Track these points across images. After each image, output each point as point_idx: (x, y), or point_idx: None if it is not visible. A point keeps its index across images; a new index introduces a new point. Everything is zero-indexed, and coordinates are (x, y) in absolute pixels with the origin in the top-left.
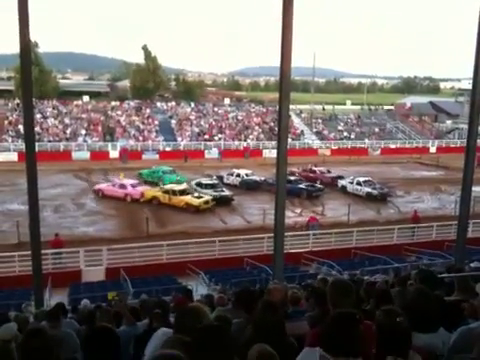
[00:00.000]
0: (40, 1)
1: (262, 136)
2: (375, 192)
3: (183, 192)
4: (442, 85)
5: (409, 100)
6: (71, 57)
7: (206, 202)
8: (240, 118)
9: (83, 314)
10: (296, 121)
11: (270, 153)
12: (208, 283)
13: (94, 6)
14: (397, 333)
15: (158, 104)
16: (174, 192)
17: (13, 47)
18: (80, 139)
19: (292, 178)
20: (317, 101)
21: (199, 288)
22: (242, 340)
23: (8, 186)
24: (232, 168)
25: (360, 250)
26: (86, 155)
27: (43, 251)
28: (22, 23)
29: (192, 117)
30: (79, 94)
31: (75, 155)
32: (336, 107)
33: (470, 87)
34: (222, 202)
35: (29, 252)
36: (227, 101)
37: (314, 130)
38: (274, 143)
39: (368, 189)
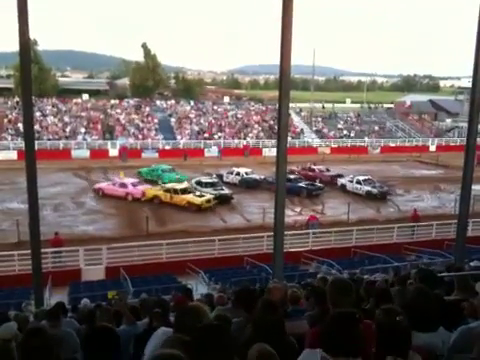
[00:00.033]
0: None
1: (262, 134)
2: (375, 191)
3: (185, 191)
4: (442, 83)
5: (409, 98)
6: (70, 55)
7: (208, 201)
8: (240, 116)
9: (83, 313)
10: (296, 119)
11: (270, 151)
12: (208, 282)
13: (93, 4)
14: (397, 332)
15: (158, 102)
16: (176, 191)
17: (12, 45)
18: (80, 137)
19: (292, 177)
20: (317, 99)
21: (199, 287)
22: (242, 339)
23: (8, 185)
24: (232, 166)
25: (360, 249)
26: (86, 153)
27: (43, 250)
28: (21, 21)
29: (192, 115)
30: (78, 92)
31: (75, 153)
32: (336, 105)
33: (470, 85)
34: (222, 201)
35: (29, 251)
36: (227, 99)
37: (314, 128)
38: (274, 141)
39: (368, 188)
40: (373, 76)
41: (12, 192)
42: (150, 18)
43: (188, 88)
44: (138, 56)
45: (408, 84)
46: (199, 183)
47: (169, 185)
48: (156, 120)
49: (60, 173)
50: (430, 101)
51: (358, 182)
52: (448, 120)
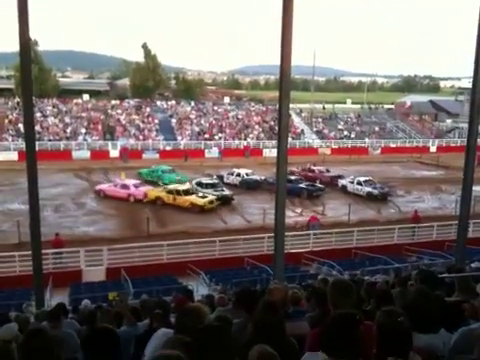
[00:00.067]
0: None
1: (262, 135)
2: (376, 192)
3: (187, 192)
4: (442, 84)
5: (409, 99)
6: (71, 55)
7: (211, 202)
8: (240, 117)
9: (84, 314)
10: (296, 120)
11: (270, 152)
12: (209, 283)
13: (94, 4)
14: (398, 333)
15: (158, 103)
16: (178, 192)
17: (13, 45)
18: (80, 138)
19: (293, 178)
20: (317, 100)
21: (200, 288)
22: (242, 340)
23: (8, 185)
24: (232, 167)
25: (361, 250)
26: (86, 154)
27: (44, 251)
28: (22, 21)
29: (192, 116)
30: (79, 93)
31: (75, 154)
32: (336, 106)
33: (470, 86)
34: (222, 202)
35: (30, 252)
36: (227, 100)
37: (314, 129)
38: (274, 142)
39: (369, 189)
40: (373, 77)
41: (13, 193)
42: (150, 18)
43: (188, 89)
44: (138, 56)
45: (408, 85)
46: (199, 184)
47: (172, 186)
48: (157, 121)
49: (61, 174)
50: (430, 102)
51: (359, 183)
52: (448, 121)
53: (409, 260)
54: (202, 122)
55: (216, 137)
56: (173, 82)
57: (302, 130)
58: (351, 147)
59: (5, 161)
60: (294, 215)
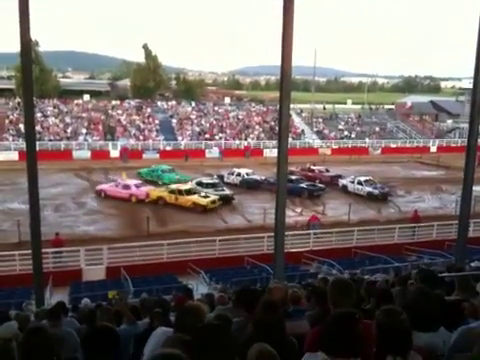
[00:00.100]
0: (41, 0)
1: (263, 135)
2: (376, 192)
3: (189, 192)
4: (443, 84)
5: (410, 99)
6: (72, 56)
7: (213, 202)
8: (241, 117)
9: (83, 313)
10: (297, 120)
11: (271, 152)
12: (209, 282)
13: (94, 5)
14: (397, 332)
15: (159, 103)
16: (180, 192)
17: (14, 46)
18: (81, 138)
19: (293, 177)
20: (318, 100)
21: (200, 287)
22: (242, 339)
23: (9, 185)
24: (233, 167)
25: (361, 249)
26: (87, 154)
27: (44, 250)
28: (23, 22)
29: (193, 116)
30: (80, 93)
31: (76, 154)
32: (337, 106)
33: (471, 86)
34: (223, 201)
35: (30, 251)
36: (228, 100)
37: (315, 129)
38: (275, 142)
39: (369, 189)
40: (374, 77)
41: (13, 192)
42: (151, 19)
43: (189, 89)
44: (139, 57)
45: (409, 85)
46: (200, 184)
47: (174, 186)
48: (157, 121)
49: (61, 174)
50: (431, 102)
51: (359, 183)
52: (449, 121)
53: (409, 259)
54: (203, 122)
55: (217, 137)
56: (174, 83)
57: (302, 130)
58: (351, 147)
59: (6, 161)
60: (294, 215)
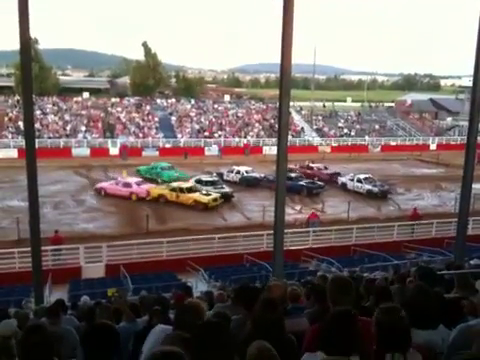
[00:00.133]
0: None
1: (262, 133)
2: (375, 189)
3: (190, 190)
4: (442, 82)
5: (409, 97)
6: (71, 54)
7: (215, 199)
8: (240, 115)
9: (83, 311)
10: (296, 118)
11: (270, 150)
12: (208, 280)
13: (94, 3)
14: (396, 330)
15: (158, 101)
16: (182, 190)
17: (13, 44)
18: (80, 136)
19: (293, 175)
20: (317, 98)
21: (199, 285)
22: (241, 337)
23: (8, 183)
24: (232, 165)
25: (360, 247)
26: (86, 152)
27: (43, 248)
28: (22, 20)
29: (192, 114)
30: (79, 91)
31: (75, 152)
32: (336, 104)
33: (470, 84)
34: (222, 199)
35: (29, 249)
36: (227, 98)
37: (314, 127)
38: (274, 140)
39: (368, 186)
40: (374, 75)
41: (12, 190)
42: (151, 17)
43: (189, 87)
44: (139, 55)
45: (409, 83)
46: (199, 181)
47: (175, 184)
48: (156, 119)
49: (60, 171)
50: (431, 100)
51: (359, 181)
52: (449, 119)
53: (408, 257)
54: (202, 120)
55: (216, 135)
56: (173, 80)
57: (302, 128)
58: (351, 145)
59: (5, 158)
60: (293, 212)
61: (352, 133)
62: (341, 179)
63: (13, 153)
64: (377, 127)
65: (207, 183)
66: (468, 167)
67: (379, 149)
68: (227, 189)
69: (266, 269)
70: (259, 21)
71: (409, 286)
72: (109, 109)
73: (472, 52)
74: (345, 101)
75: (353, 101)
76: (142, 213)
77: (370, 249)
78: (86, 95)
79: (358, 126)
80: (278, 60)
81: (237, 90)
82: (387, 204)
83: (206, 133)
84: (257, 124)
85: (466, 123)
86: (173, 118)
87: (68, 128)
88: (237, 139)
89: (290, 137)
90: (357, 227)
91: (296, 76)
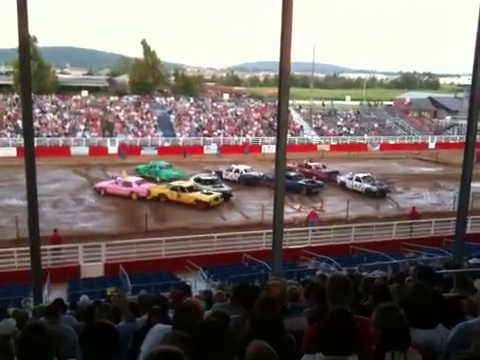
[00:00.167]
0: None
1: (261, 131)
2: (374, 188)
3: (191, 189)
4: (441, 81)
5: (408, 96)
6: (70, 52)
7: (216, 198)
8: (239, 113)
9: (82, 310)
10: (295, 116)
11: (269, 148)
12: (207, 279)
13: (93, 0)
14: (395, 329)
15: (157, 99)
16: (183, 189)
17: (12, 42)
18: (79, 134)
19: (292, 174)
20: (316, 96)
21: (198, 284)
22: (240, 336)
23: (7, 181)
24: (231, 163)
25: (358, 246)
26: (85, 150)
27: (42, 247)
28: (21, 17)
29: (191, 112)
30: (78, 89)
31: (74, 150)
32: (335, 102)
33: (469, 83)
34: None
35: (28, 248)
36: (226, 96)
37: (313, 125)
38: (273, 138)
39: (367, 185)
40: (373, 73)
41: (11, 189)
42: (150, 15)
43: (187, 85)
44: (138, 53)
45: (408, 81)
46: (198, 180)
47: (176, 183)
48: (155, 117)
49: (59, 170)
50: (430, 98)
51: (357, 179)
52: (447, 117)
53: (407, 256)
54: (201, 118)
55: (215, 133)
56: (172, 78)
57: (301, 126)
58: (350, 143)
59: (4, 157)
60: (293, 211)
61: (351, 132)
62: (340, 178)
63: (12, 152)
64: (376, 126)
65: (206, 182)
66: (467, 166)
67: (378, 148)
68: (226, 188)
69: (265, 268)
70: (258, 19)
71: (408, 285)
72: (108, 107)
73: (471, 50)
74: (344, 99)
75: (352, 99)
76: (141, 212)
77: (369, 248)
78: (85, 93)
79: (357, 125)
80: (277, 58)
81: (236, 88)
82: (386, 203)
83: (205, 131)
84: (256, 122)
85: (465, 122)
86: (172, 116)
87: (67, 127)
88: (236, 138)
89: (289, 136)
90: (356, 226)
91: (295, 74)
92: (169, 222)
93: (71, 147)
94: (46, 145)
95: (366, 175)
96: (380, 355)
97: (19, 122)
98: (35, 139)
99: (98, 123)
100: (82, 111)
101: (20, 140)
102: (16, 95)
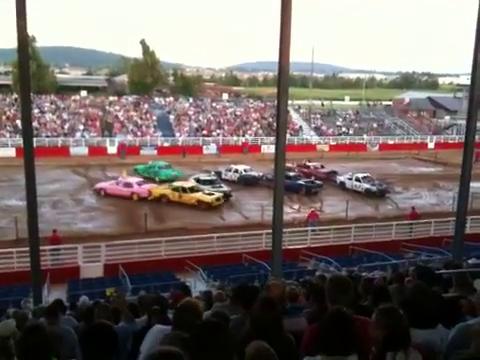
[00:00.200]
0: None
1: (260, 131)
2: (374, 188)
3: (193, 189)
4: (440, 81)
5: (407, 96)
6: (69, 52)
7: (218, 199)
8: (238, 113)
9: (81, 310)
10: (294, 116)
11: (268, 149)
12: (206, 279)
13: (92, 0)
14: (395, 330)
15: (156, 99)
16: (184, 189)
17: (11, 42)
18: (78, 134)
19: (291, 174)
20: (316, 96)
21: (197, 284)
22: (240, 336)
23: (6, 182)
24: (230, 164)
25: (358, 246)
26: (84, 150)
27: (41, 247)
28: (20, 17)
29: (190, 112)
30: (77, 89)
31: (73, 150)
32: (334, 102)
33: (468, 83)
34: None
35: (27, 248)
36: (225, 96)
37: (312, 126)
38: (272, 138)
39: (367, 185)
40: (372, 73)
41: (10, 189)
42: (149, 15)
43: (187, 85)
44: (137, 53)
45: (407, 81)
46: (198, 180)
47: (177, 183)
48: (155, 117)
49: (58, 170)
50: (429, 98)
51: (357, 180)
52: (447, 117)
53: (406, 256)
54: (200, 118)
55: (214, 133)
56: (171, 78)
57: (300, 126)
58: (349, 143)
59: (3, 157)
60: (292, 211)
61: (350, 132)
62: (339, 178)
63: (11, 152)
64: (375, 126)
65: (205, 182)
66: (466, 166)
67: (377, 148)
68: (225, 188)
69: (265, 268)
70: (257, 19)
71: (407, 285)
72: (107, 108)
73: (470, 50)
74: (343, 99)
75: (351, 99)
76: (141, 212)
77: (368, 248)
78: (84, 93)
79: (356, 125)
80: (276, 58)
81: (235, 88)
82: (385, 203)
83: (204, 132)
84: (255, 122)
85: (464, 122)
86: (171, 116)
87: (66, 127)
88: (235, 138)
89: (288, 136)
90: (355, 226)
91: (294, 74)
92: (169, 222)
93: (70, 147)
94: (45, 145)
95: (366, 175)
96: (381, 356)
97: (18, 122)
98: (34, 139)
99: (97, 123)
100: (81, 111)
101: (19, 140)
102: (15, 95)
